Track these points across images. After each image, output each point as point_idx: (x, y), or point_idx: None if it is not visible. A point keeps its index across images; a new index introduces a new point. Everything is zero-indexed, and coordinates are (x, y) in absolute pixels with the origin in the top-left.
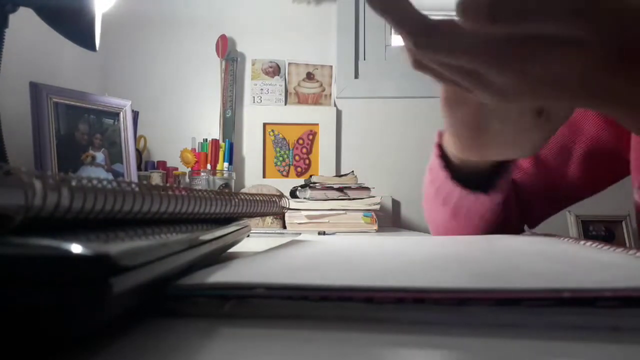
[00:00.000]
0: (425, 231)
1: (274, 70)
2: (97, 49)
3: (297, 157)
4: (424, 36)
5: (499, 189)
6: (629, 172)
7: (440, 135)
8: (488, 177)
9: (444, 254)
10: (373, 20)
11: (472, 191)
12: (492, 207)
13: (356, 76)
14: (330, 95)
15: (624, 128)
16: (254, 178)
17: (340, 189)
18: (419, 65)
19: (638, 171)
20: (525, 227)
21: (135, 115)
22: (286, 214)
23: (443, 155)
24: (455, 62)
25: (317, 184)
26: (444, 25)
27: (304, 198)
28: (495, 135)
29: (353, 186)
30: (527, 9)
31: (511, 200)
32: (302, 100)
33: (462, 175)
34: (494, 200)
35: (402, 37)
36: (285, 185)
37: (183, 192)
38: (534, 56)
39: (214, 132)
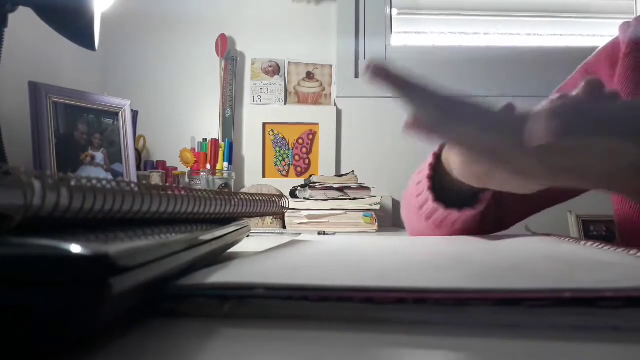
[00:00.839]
0: None
1: (274, 69)
2: (96, 48)
3: (297, 157)
4: (447, 116)
5: (483, 201)
6: None
7: (436, 155)
8: (472, 193)
9: (444, 254)
10: (373, 19)
11: (457, 209)
12: (475, 217)
13: (356, 76)
14: (330, 94)
15: None
16: (254, 178)
17: (340, 189)
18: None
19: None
20: (526, 227)
21: (135, 114)
22: (286, 214)
23: (433, 176)
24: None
25: (317, 184)
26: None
27: (304, 198)
28: (499, 183)
29: (353, 186)
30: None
31: (490, 200)
32: (302, 99)
33: (448, 193)
34: (477, 211)
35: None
36: (285, 185)
37: (182, 192)
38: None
39: (214, 131)
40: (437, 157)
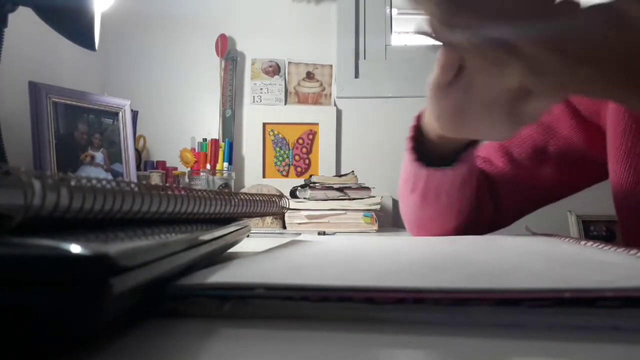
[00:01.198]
0: None
1: (274, 69)
2: (96, 48)
3: (297, 157)
4: None
5: (462, 162)
6: (602, 176)
7: (419, 117)
8: (453, 156)
9: (444, 254)
10: (373, 19)
11: (436, 168)
12: (456, 181)
13: (356, 76)
14: (330, 94)
15: (594, 131)
16: (254, 178)
17: (340, 189)
18: (444, 34)
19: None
20: (526, 227)
21: (135, 114)
22: (286, 214)
23: (415, 138)
24: (492, 26)
25: (317, 184)
26: None
27: (304, 198)
28: (473, 123)
29: (353, 186)
30: None
31: (484, 190)
32: (302, 99)
33: (430, 158)
34: (457, 173)
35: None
36: (285, 185)
37: (182, 192)
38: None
39: (214, 131)
40: (418, 123)
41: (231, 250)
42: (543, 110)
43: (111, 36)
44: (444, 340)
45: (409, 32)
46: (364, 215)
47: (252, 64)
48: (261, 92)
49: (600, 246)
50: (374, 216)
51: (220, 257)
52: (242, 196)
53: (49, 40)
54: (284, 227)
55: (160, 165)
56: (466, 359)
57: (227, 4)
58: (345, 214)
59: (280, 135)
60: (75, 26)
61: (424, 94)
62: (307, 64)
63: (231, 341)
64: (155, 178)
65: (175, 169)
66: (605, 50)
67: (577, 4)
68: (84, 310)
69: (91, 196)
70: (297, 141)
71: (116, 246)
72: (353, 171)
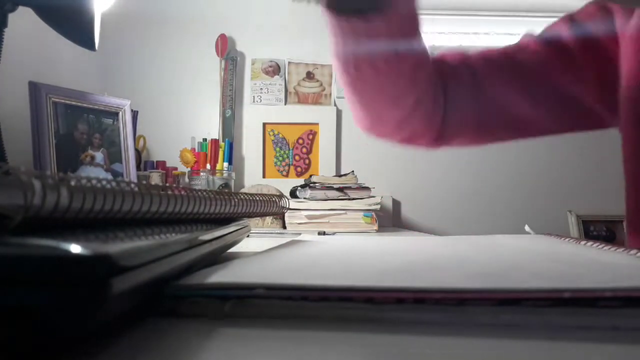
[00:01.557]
0: (425, 231)
1: (274, 69)
2: (96, 48)
3: (297, 157)
4: None
5: (382, 12)
6: (591, 126)
7: None
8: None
9: (444, 254)
10: None
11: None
12: (385, 29)
13: None
14: (331, 94)
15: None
16: (254, 178)
17: (340, 189)
18: None
19: (626, 143)
20: (526, 227)
21: (135, 114)
22: (286, 214)
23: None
24: None
25: (317, 184)
26: None
27: (304, 198)
28: None
29: (353, 186)
30: None
31: (428, 71)
32: (302, 99)
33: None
34: (378, 29)
35: None
36: (285, 185)
37: (182, 192)
38: None
39: (214, 131)
40: None
41: (231, 250)
42: None
43: (111, 36)
44: (444, 340)
45: None
46: (364, 215)
47: (252, 64)
48: (261, 92)
49: (600, 246)
50: (374, 216)
51: (220, 257)
52: (242, 196)
53: (49, 40)
54: (284, 227)
55: (160, 165)
56: (466, 358)
57: (227, 4)
58: (345, 214)
59: (280, 135)
60: (75, 26)
61: None
62: (307, 64)
63: (231, 341)
64: (155, 178)
65: (175, 169)
66: None
67: None
68: (84, 310)
69: (91, 196)
70: (297, 141)
71: (116, 246)
72: (353, 171)
